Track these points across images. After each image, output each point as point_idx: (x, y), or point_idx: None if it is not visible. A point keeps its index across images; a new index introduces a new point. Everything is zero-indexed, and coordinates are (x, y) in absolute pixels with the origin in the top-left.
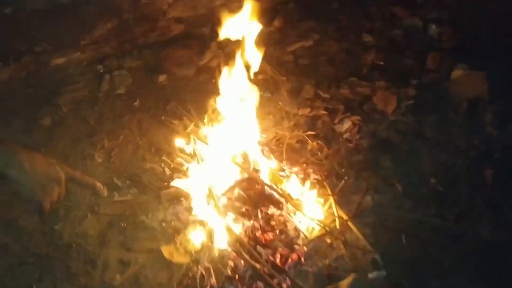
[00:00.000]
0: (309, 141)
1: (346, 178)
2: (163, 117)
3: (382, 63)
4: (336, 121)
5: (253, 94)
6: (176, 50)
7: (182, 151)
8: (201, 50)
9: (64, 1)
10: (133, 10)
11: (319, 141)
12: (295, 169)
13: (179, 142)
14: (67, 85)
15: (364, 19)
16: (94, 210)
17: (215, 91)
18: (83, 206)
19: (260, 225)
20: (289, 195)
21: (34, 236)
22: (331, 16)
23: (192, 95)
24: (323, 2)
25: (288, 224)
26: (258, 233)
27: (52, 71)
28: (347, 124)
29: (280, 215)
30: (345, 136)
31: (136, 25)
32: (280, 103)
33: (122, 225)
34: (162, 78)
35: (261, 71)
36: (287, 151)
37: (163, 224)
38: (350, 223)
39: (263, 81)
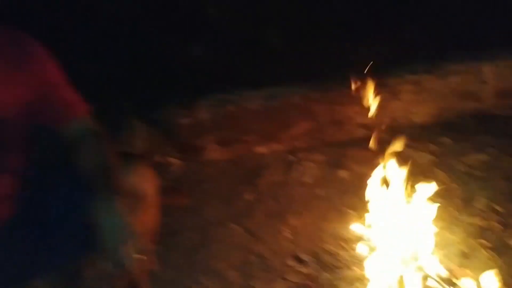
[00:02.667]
0: (481, 250)
1: None
2: (342, 208)
3: None
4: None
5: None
6: (358, 151)
7: (360, 239)
8: (380, 153)
9: (275, 103)
10: (328, 115)
11: (491, 251)
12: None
13: (356, 228)
14: (264, 169)
15: None
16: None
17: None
18: None
19: None
20: None
21: None
22: (509, 131)
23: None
24: (502, 118)
25: None
26: None
27: (254, 156)
28: None
29: None
30: None
31: (327, 127)
32: (450, 208)
33: None
34: (343, 173)
35: (434, 177)
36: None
37: None
38: None
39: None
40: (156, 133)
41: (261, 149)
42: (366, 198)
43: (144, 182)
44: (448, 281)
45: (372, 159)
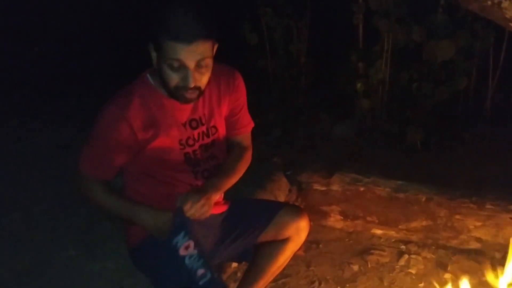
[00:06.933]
0: None
1: None
2: None
3: None
4: None
5: None
6: (466, 260)
7: None
8: (488, 268)
9: (401, 195)
10: (447, 220)
11: None
12: None
13: None
14: (376, 249)
15: None
16: None
17: None
18: None
19: None
20: None
21: None
22: None
23: None
24: None
25: None
26: None
27: (370, 235)
28: None
29: None
30: None
31: (443, 230)
32: None
33: None
34: (447, 276)
35: None
36: None
37: None
38: None
39: None
40: (292, 190)
41: (378, 231)
42: None
43: (303, 232)
44: None
45: (477, 273)
